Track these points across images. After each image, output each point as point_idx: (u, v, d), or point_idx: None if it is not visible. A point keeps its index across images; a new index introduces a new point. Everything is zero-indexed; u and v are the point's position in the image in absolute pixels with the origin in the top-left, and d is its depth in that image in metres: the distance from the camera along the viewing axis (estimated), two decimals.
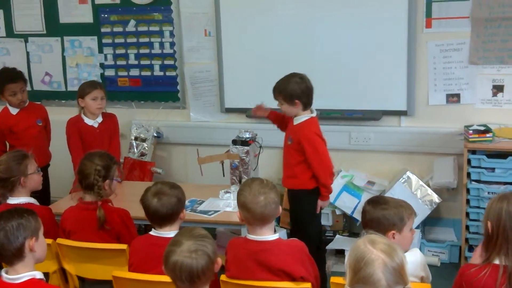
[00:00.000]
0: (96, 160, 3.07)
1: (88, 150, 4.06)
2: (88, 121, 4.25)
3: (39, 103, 4.72)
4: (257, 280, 2.51)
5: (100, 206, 3.00)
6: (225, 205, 3.51)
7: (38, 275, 2.31)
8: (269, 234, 2.60)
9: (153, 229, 2.77)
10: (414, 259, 2.57)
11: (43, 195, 3.77)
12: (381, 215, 2.55)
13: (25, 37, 5.24)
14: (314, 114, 3.61)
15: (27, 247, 2.29)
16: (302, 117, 3.56)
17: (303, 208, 3.63)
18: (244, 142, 3.79)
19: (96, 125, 4.27)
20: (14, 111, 4.37)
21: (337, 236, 4.33)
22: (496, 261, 2.21)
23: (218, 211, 3.48)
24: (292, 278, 2.52)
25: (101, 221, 2.97)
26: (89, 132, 4.23)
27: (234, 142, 3.81)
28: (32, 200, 3.20)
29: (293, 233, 3.77)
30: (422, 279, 2.62)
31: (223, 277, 2.57)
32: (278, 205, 2.62)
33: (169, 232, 2.70)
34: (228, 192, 3.61)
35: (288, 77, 3.55)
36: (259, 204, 2.53)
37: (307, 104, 3.55)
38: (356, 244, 1.94)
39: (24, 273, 2.27)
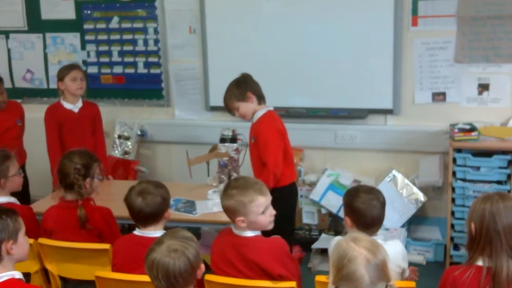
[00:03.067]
0: (76, 158, 3.03)
1: (69, 136, 4.03)
2: (67, 105, 4.13)
3: (14, 100, 4.60)
4: (235, 271, 2.53)
5: (81, 205, 2.96)
6: (213, 204, 3.44)
7: (18, 275, 2.28)
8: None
9: (137, 229, 2.73)
10: (394, 249, 2.56)
11: (22, 194, 3.70)
12: None
13: (6, 33, 5.14)
14: (272, 108, 3.60)
15: (4, 250, 2.24)
16: (260, 112, 3.55)
17: (276, 208, 3.49)
18: (233, 140, 3.76)
19: (76, 110, 4.15)
20: None
21: (323, 235, 4.31)
22: (479, 262, 2.20)
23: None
24: (271, 277, 2.51)
25: (82, 220, 2.93)
26: (68, 117, 4.12)
27: (223, 140, 3.78)
28: (12, 200, 3.15)
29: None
30: (403, 272, 2.62)
31: (207, 277, 2.53)
32: None
33: (153, 232, 2.67)
34: (217, 192, 3.55)
35: (229, 84, 3.57)
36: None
37: (260, 97, 3.55)
38: (338, 243, 1.97)
39: (3, 273, 2.23)
